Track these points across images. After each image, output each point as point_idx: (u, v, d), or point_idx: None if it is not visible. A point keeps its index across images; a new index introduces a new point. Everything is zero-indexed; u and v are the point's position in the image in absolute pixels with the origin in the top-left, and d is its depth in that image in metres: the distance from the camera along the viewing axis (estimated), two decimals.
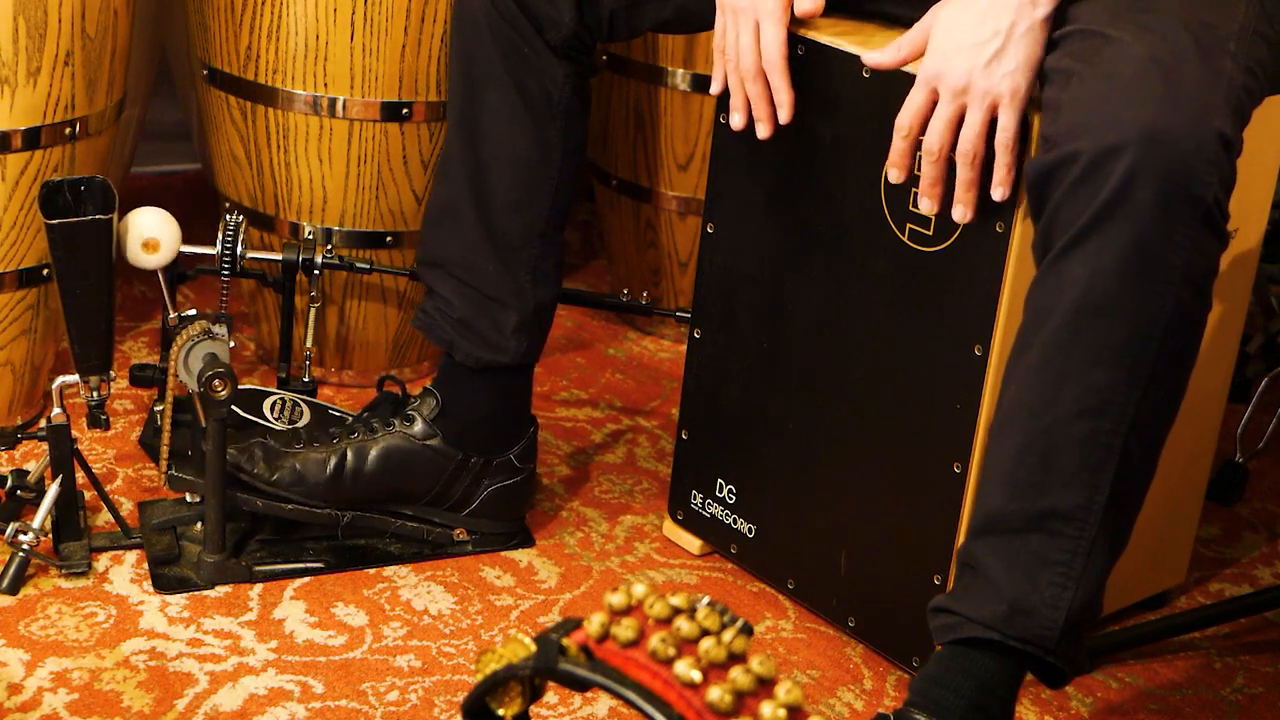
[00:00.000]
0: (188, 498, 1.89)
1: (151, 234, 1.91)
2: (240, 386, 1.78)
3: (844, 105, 1.68)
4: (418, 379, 2.32)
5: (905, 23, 1.62)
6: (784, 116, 1.67)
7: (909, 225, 1.65)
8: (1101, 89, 1.39)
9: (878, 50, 1.60)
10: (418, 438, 1.87)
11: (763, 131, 1.68)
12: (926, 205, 1.58)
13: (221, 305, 2.06)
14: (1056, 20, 1.49)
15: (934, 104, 1.52)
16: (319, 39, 2.08)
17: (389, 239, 2.20)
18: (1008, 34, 1.47)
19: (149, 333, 2.36)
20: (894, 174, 1.60)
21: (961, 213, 1.56)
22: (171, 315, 1.95)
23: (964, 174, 1.54)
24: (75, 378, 1.82)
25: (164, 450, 1.85)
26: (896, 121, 1.56)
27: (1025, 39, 1.48)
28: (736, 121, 1.70)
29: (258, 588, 1.82)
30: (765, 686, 1.00)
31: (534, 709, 1.62)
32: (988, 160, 1.53)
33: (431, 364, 2.35)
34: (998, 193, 1.53)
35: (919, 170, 1.59)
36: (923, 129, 1.54)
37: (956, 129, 1.52)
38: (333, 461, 1.85)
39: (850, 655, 1.80)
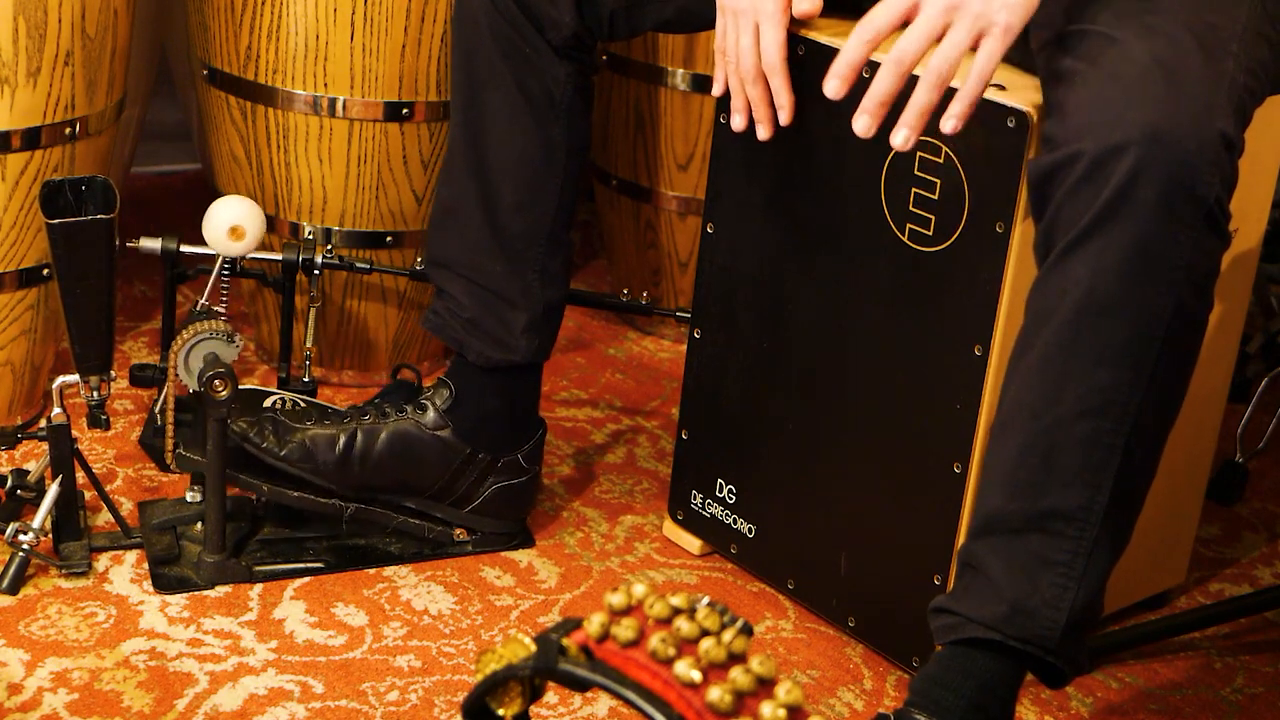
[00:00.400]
0: (188, 497, 1.89)
1: (238, 221, 1.93)
2: (240, 386, 1.78)
3: (844, 105, 1.68)
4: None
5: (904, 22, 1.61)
6: (784, 119, 1.67)
7: (909, 225, 1.65)
8: (1104, 89, 1.39)
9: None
10: (429, 427, 1.87)
11: (763, 133, 1.68)
12: (864, 124, 1.47)
13: (221, 305, 2.06)
14: (1061, 21, 1.49)
15: (907, 20, 1.43)
16: (319, 39, 2.08)
17: (389, 239, 2.20)
18: None
19: (149, 333, 2.36)
20: (834, 87, 1.48)
21: (904, 138, 1.44)
22: (202, 302, 1.96)
23: (923, 97, 1.43)
24: (75, 378, 1.82)
25: (168, 444, 1.85)
26: (861, 23, 1.45)
27: None
28: (737, 123, 1.69)
29: (258, 588, 1.82)
30: (765, 686, 1.00)
31: (534, 709, 1.62)
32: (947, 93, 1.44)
33: (432, 364, 2.35)
34: (948, 124, 1.42)
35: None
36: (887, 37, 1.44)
37: (929, 44, 1.42)
38: (342, 440, 1.85)
39: (850, 655, 1.80)
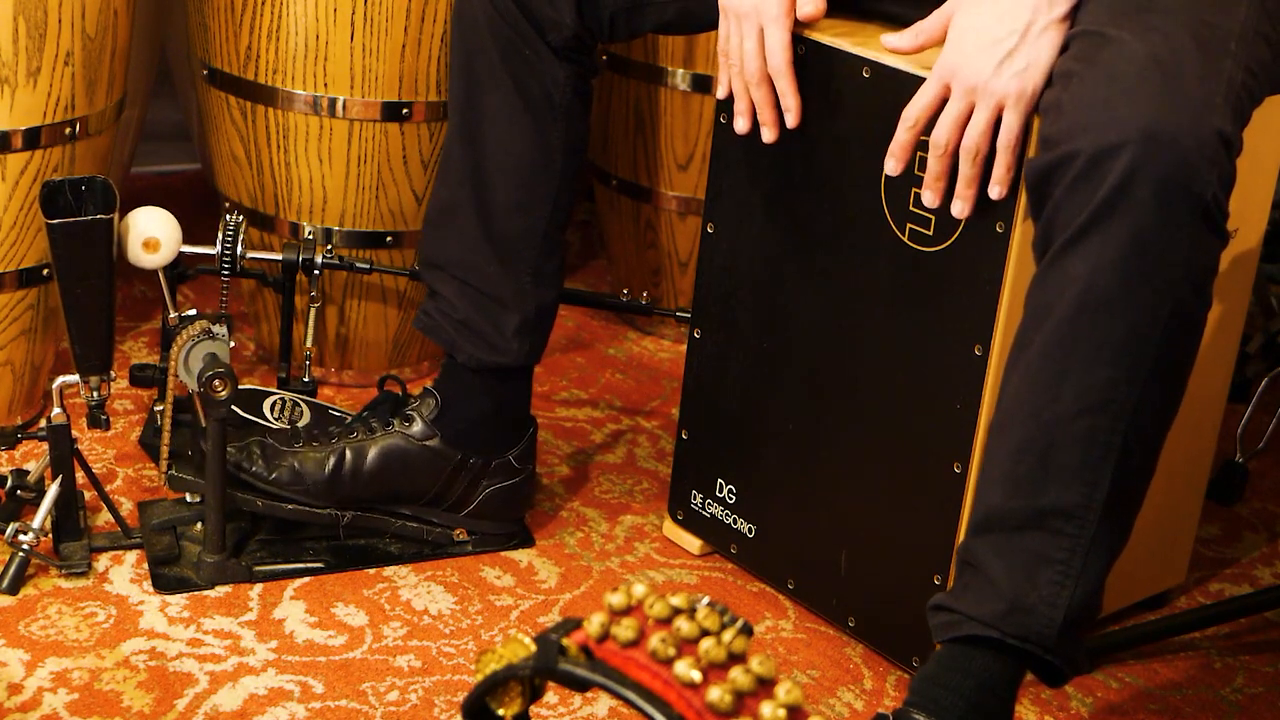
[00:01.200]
0: (188, 498, 1.89)
1: (152, 233, 1.91)
2: (240, 386, 1.78)
3: (845, 105, 1.68)
4: (418, 379, 2.32)
5: (906, 22, 1.62)
6: (791, 121, 1.68)
7: (909, 225, 1.65)
8: (1101, 88, 1.39)
9: (896, 34, 1.60)
10: (416, 438, 1.87)
11: (768, 136, 1.69)
12: (929, 199, 1.59)
13: (221, 305, 2.06)
14: None
15: (944, 99, 1.53)
16: (319, 39, 2.08)
17: (389, 239, 2.20)
18: (1023, 33, 1.48)
19: (149, 333, 2.36)
20: (892, 165, 1.60)
21: (961, 208, 1.57)
22: (172, 315, 1.95)
23: (965, 170, 1.55)
24: (75, 378, 1.82)
25: (164, 450, 1.85)
26: (904, 113, 1.56)
27: (1041, 39, 1.48)
28: (741, 126, 1.70)
29: (258, 588, 1.82)
30: (765, 686, 1.00)
31: (534, 709, 1.63)
32: (990, 158, 1.54)
33: (432, 364, 2.35)
34: (995, 191, 1.54)
35: (919, 169, 1.59)
36: (929, 123, 1.55)
37: (964, 126, 1.53)
38: (331, 461, 1.86)
39: (850, 655, 1.80)
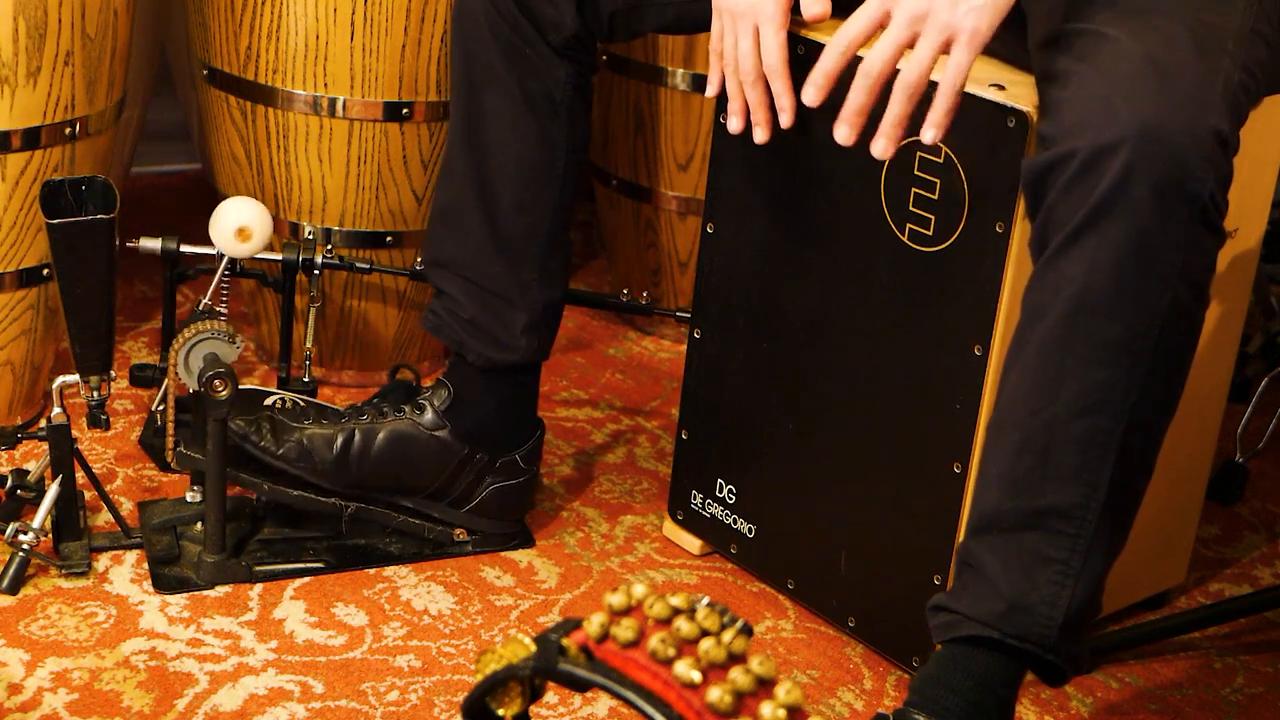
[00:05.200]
0: (188, 497, 1.89)
1: (245, 222, 1.94)
2: (240, 386, 1.78)
3: (843, 106, 1.68)
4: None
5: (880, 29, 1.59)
6: (785, 121, 1.63)
7: (909, 225, 1.65)
8: (1098, 87, 1.39)
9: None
10: (426, 427, 1.87)
11: (760, 136, 1.64)
12: (843, 134, 1.48)
13: (222, 305, 2.06)
14: (1057, 20, 1.49)
15: (882, 27, 1.44)
16: (319, 39, 2.08)
17: (389, 239, 2.20)
18: None
19: (149, 333, 2.36)
20: (809, 94, 1.50)
21: (883, 148, 1.46)
22: (205, 302, 1.96)
23: (898, 108, 1.44)
24: (75, 378, 1.82)
25: (169, 442, 1.85)
26: (835, 36, 1.47)
27: None
28: (734, 126, 1.66)
29: (258, 588, 1.82)
30: (765, 687, 1.00)
31: (534, 709, 1.63)
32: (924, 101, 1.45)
33: (432, 364, 2.35)
34: (928, 135, 1.44)
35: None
36: (860, 50, 1.46)
37: (898, 56, 1.44)
38: (340, 440, 1.85)
39: (850, 655, 1.80)
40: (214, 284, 2.01)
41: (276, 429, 1.85)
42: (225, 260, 2.00)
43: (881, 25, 1.44)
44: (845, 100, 1.47)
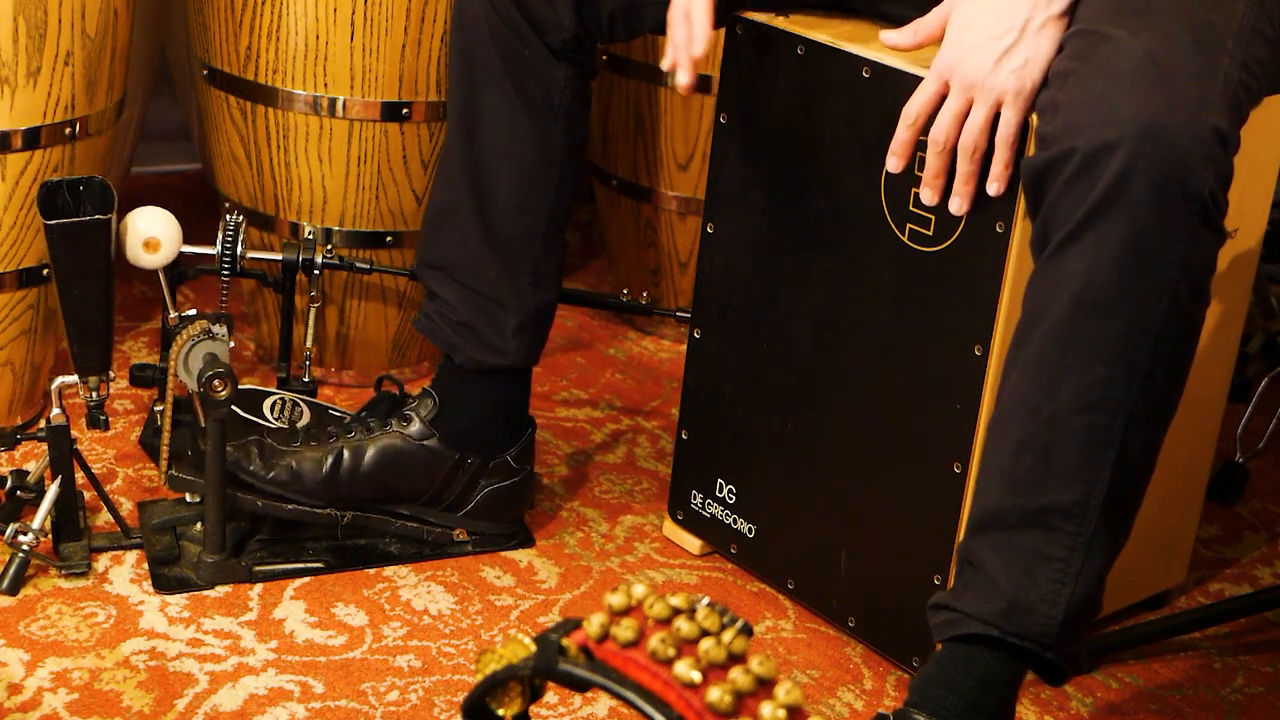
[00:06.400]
0: (188, 498, 1.89)
1: (152, 233, 1.91)
2: (240, 386, 1.78)
3: (843, 105, 1.68)
4: (417, 379, 2.32)
5: (904, 22, 1.62)
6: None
7: (909, 225, 1.65)
8: (1098, 86, 1.39)
9: (895, 31, 1.60)
10: (414, 438, 1.87)
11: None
12: (928, 196, 1.59)
13: (221, 305, 2.06)
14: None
15: (944, 96, 1.53)
16: (319, 39, 2.08)
17: (389, 239, 2.20)
18: (1022, 29, 1.48)
19: (149, 333, 2.36)
20: (894, 163, 1.60)
21: (959, 205, 1.57)
22: (172, 315, 1.95)
23: (963, 167, 1.55)
24: (75, 378, 1.82)
25: (164, 450, 1.85)
26: (904, 110, 1.56)
27: (1039, 35, 1.48)
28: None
29: (258, 588, 1.82)
30: (765, 687, 1.00)
31: (534, 709, 1.63)
32: (988, 155, 1.54)
33: (432, 364, 2.35)
34: (993, 187, 1.54)
35: (918, 169, 1.59)
36: (929, 120, 1.55)
37: (963, 122, 1.53)
38: (329, 460, 1.86)
39: (850, 655, 1.80)
40: (166, 293, 1.97)
41: (265, 454, 1.85)
42: (166, 271, 1.95)
43: (941, 95, 1.53)
44: (924, 168, 1.58)
